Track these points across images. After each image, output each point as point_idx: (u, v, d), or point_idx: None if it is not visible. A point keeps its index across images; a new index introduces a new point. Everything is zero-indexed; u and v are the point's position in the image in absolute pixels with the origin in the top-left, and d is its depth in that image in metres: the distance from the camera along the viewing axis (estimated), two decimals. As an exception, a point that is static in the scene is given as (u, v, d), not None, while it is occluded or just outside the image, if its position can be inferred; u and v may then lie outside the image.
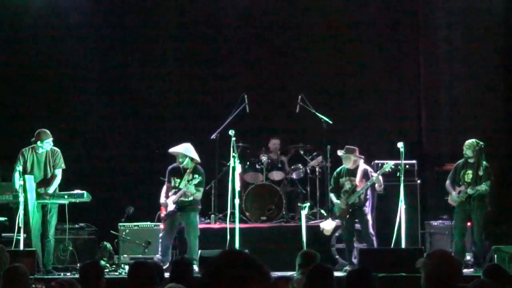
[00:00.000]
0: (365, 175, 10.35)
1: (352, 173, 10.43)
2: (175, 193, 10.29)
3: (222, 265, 2.66)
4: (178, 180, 10.29)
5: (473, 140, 10.15)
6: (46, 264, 9.94)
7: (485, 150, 10.20)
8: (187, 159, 10.26)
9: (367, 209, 10.37)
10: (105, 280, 5.90)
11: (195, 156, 10.34)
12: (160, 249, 10.29)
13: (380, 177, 10.25)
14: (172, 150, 10.37)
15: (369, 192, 10.40)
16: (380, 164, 10.96)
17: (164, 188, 10.48)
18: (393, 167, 10.29)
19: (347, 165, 10.47)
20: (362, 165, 10.48)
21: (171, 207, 10.28)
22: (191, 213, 10.28)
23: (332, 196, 10.57)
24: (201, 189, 10.28)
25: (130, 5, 13.03)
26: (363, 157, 10.52)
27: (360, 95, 12.92)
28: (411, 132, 12.68)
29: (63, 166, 10.19)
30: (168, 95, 13.04)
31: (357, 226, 10.56)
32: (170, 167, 10.44)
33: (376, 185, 10.28)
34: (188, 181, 10.20)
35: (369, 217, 10.33)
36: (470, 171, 10.10)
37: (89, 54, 12.75)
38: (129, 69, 12.97)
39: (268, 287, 2.63)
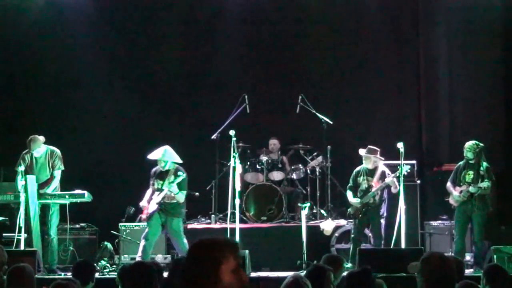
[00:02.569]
0: (382, 177, 10.38)
1: (371, 173, 10.46)
2: (158, 194, 10.23)
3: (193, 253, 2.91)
4: (161, 182, 10.22)
5: (473, 142, 10.20)
6: (51, 263, 9.96)
7: (485, 151, 10.24)
8: (169, 162, 10.24)
9: (382, 211, 10.38)
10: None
11: (176, 159, 10.30)
12: (140, 248, 10.09)
13: (395, 180, 10.24)
14: (151, 156, 10.30)
15: (385, 194, 10.40)
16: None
17: (149, 191, 10.35)
18: (409, 170, 10.24)
19: (366, 165, 10.51)
20: (381, 167, 10.50)
21: (154, 207, 10.21)
22: (174, 220, 10.11)
23: (349, 194, 10.57)
24: (184, 191, 10.16)
25: (131, 5, 13.04)
26: (383, 158, 10.54)
27: (360, 95, 12.94)
28: (411, 132, 12.70)
29: (61, 167, 10.21)
30: (169, 95, 13.05)
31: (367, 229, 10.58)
32: (153, 169, 10.32)
33: (392, 187, 10.30)
34: (170, 182, 10.15)
35: (382, 221, 10.34)
36: (471, 172, 10.15)
37: (91, 55, 12.76)
38: (130, 70, 12.99)
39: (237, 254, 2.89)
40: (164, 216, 10.14)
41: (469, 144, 10.20)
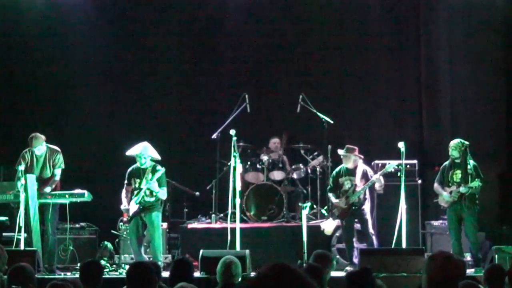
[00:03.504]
0: (364, 175, 10.39)
1: (351, 172, 10.45)
2: (137, 194, 10.14)
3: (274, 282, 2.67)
4: (139, 181, 10.15)
5: (458, 140, 10.15)
6: (50, 264, 9.93)
7: (470, 149, 10.17)
8: (148, 159, 10.16)
9: (367, 208, 10.40)
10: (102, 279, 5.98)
11: (156, 156, 10.25)
12: (132, 251, 10.21)
13: (381, 178, 10.27)
14: (130, 152, 10.23)
15: (367, 192, 10.43)
16: (380, 165, 10.98)
17: (124, 192, 10.29)
18: (396, 167, 10.26)
19: (346, 164, 10.50)
20: (361, 165, 10.51)
21: (134, 208, 10.15)
22: (153, 213, 10.11)
23: (331, 196, 10.58)
24: (165, 188, 10.15)
25: (131, 5, 13.03)
26: (362, 157, 10.55)
27: (361, 95, 12.93)
28: (411, 132, 12.68)
29: (62, 166, 10.20)
30: (169, 95, 13.05)
31: (357, 226, 10.58)
32: (129, 169, 10.26)
33: (377, 185, 10.30)
34: (149, 180, 10.05)
35: (368, 216, 10.38)
36: (458, 171, 10.10)
37: (91, 55, 12.75)
38: (130, 69, 12.98)
39: None
40: (143, 213, 10.14)
41: (454, 143, 10.15)
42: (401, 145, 10.07)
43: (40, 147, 10.07)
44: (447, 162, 10.30)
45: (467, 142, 10.14)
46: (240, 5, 12.93)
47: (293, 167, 11.98)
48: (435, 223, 11.24)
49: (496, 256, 9.58)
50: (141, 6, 13.05)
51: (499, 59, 12.67)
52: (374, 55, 12.96)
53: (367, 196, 10.46)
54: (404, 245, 9.91)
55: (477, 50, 12.62)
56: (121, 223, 10.57)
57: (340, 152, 10.56)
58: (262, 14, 13.11)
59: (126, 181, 10.29)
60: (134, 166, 10.24)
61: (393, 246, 10.06)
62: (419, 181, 11.41)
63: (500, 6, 12.57)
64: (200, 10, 13.07)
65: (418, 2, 12.94)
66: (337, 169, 10.65)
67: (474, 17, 12.60)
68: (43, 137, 10.11)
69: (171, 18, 13.05)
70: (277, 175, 11.91)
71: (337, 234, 10.88)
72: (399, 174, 10.16)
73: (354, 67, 12.95)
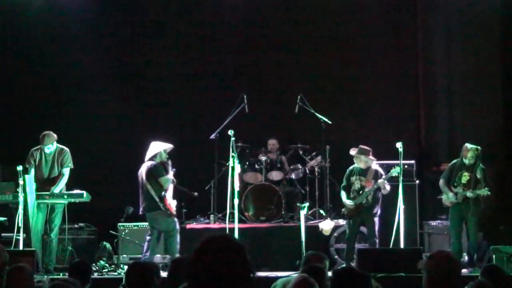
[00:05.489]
0: (375, 176, 10.31)
1: (363, 173, 10.38)
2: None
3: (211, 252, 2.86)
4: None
5: (473, 146, 9.99)
6: (48, 264, 9.95)
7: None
8: None
9: (376, 210, 10.32)
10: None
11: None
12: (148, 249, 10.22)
13: (387, 185, 10.18)
14: (157, 150, 10.23)
15: (379, 194, 10.35)
16: (378, 165, 10.99)
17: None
18: (398, 173, 10.16)
19: (358, 164, 10.43)
20: (374, 166, 10.43)
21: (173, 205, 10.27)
22: None
23: (343, 194, 10.49)
24: None
25: (130, 5, 13.04)
26: (374, 159, 10.44)
27: (359, 96, 12.94)
28: (410, 132, 12.70)
29: (71, 165, 10.25)
30: (168, 95, 13.05)
31: (361, 228, 10.55)
32: (159, 164, 10.20)
33: (381, 188, 10.21)
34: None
35: (376, 219, 10.26)
36: (467, 173, 10.06)
37: (90, 56, 12.75)
38: (130, 70, 12.99)
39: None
40: None
41: (472, 150, 9.99)
42: (399, 145, 10.08)
43: (51, 145, 10.12)
44: (456, 161, 10.23)
45: (479, 147, 10.08)
46: (238, 5, 12.94)
47: (291, 167, 11.99)
48: (433, 223, 11.26)
49: (494, 256, 9.60)
50: (140, 8, 13.05)
51: (497, 59, 12.69)
52: (371, 56, 12.97)
53: (378, 197, 10.34)
54: (402, 245, 9.93)
55: (475, 50, 12.64)
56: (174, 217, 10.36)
57: (352, 152, 10.48)
58: (260, 14, 13.12)
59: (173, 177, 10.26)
60: (160, 161, 10.22)
61: (391, 246, 10.08)
62: (417, 181, 11.42)
63: (498, 6, 12.59)
64: (199, 9, 13.08)
65: (417, 3, 12.96)
66: (351, 167, 10.53)
67: (472, 16, 12.62)
68: (55, 136, 10.18)
69: (169, 18, 13.06)
70: (276, 175, 11.93)
71: (335, 234, 10.90)
72: (397, 175, 10.16)
73: (351, 67, 12.97)
